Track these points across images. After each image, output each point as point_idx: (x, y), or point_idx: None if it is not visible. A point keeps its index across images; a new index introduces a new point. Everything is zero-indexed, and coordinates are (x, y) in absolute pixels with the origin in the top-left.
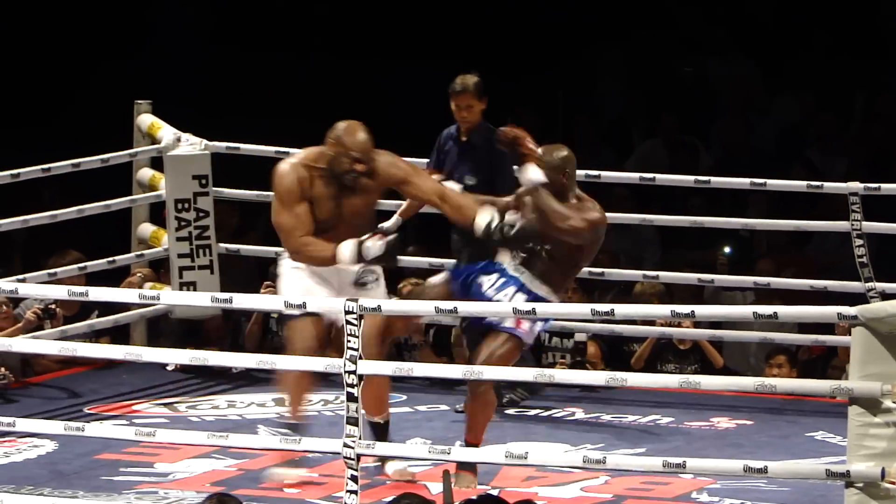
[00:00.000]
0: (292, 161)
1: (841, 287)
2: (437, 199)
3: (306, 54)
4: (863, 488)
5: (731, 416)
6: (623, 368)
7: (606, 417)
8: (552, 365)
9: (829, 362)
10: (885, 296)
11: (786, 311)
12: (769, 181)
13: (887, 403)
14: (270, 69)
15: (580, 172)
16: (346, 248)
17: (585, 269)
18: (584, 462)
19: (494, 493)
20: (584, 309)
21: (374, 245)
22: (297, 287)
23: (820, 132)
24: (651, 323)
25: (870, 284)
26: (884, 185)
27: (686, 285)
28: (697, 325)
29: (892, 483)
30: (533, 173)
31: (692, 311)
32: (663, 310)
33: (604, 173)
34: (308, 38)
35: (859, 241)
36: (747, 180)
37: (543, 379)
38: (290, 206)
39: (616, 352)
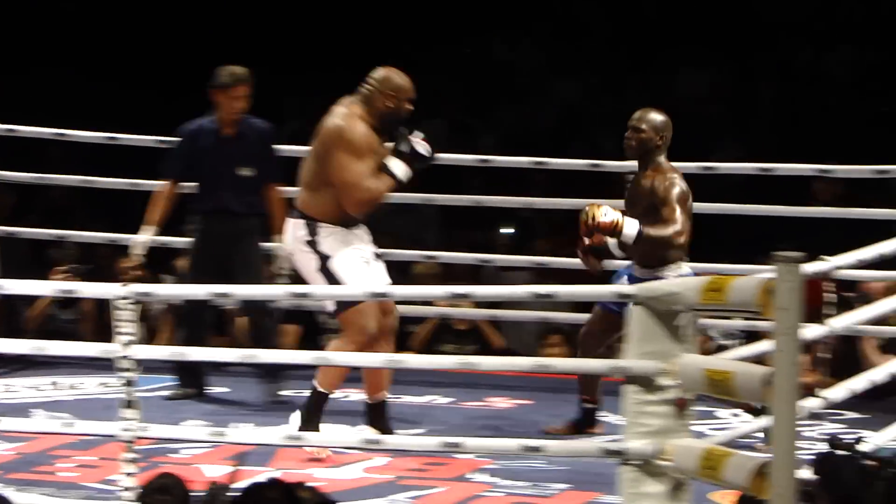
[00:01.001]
0: (349, 114)
1: (619, 266)
2: None
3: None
4: (638, 466)
5: (509, 395)
6: (403, 349)
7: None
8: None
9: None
10: None
11: (564, 290)
12: (550, 160)
13: (663, 381)
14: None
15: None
16: (397, 166)
17: None
18: (362, 443)
19: (277, 475)
20: (361, 290)
21: (420, 142)
22: (359, 268)
23: (601, 112)
24: (431, 304)
25: None
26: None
27: (467, 266)
28: (477, 306)
29: (667, 461)
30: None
31: (470, 292)
32: (442, 290)
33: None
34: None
35: None
36: (529, 159)
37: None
38: (363, 157)
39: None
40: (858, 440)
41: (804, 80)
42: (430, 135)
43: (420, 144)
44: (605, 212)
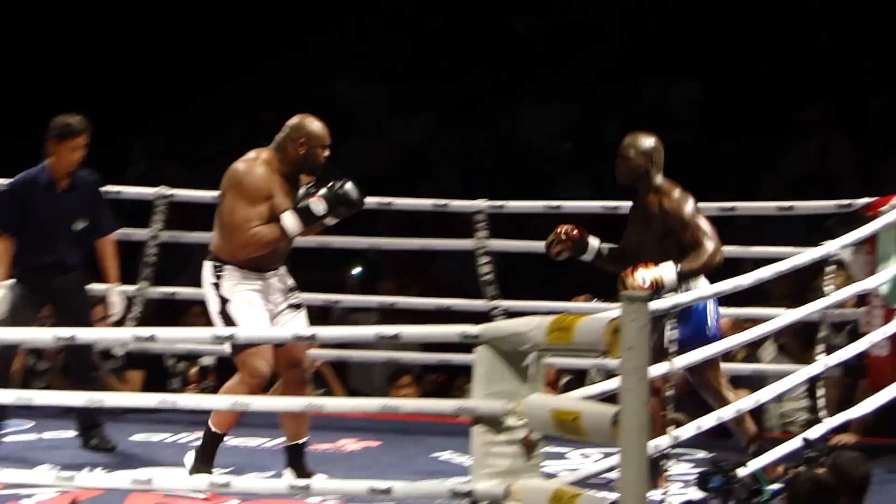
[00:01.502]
0: (253, 159)
1: (466, 305)
2: None
3: None
4: None
5: (358, 437)
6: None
7: (233, 442)
8: (181, 390)
9: (452, 383)
10: (509, 314)
11: (410, 331)
12: (395, 199)
13: (510, 422)
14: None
15: (205, 195)
16: (289, 218)
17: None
18: (210, 486)
19: None
20: (206, 333)
21: (318, 202)
22: (252, 311)
23: (445, 151)
24: None
25: (494, 303)
26: (508, 203)
27: (314, 307)
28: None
29: (516, 501)
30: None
31: (314, 334)
32: (286, 333)
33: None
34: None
35: (484, 259)
36: (374, 199)
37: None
38: (254, 202)
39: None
40: (738, 465)
41: (648, 117)
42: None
43: (316, 202)
44: (642, 277)
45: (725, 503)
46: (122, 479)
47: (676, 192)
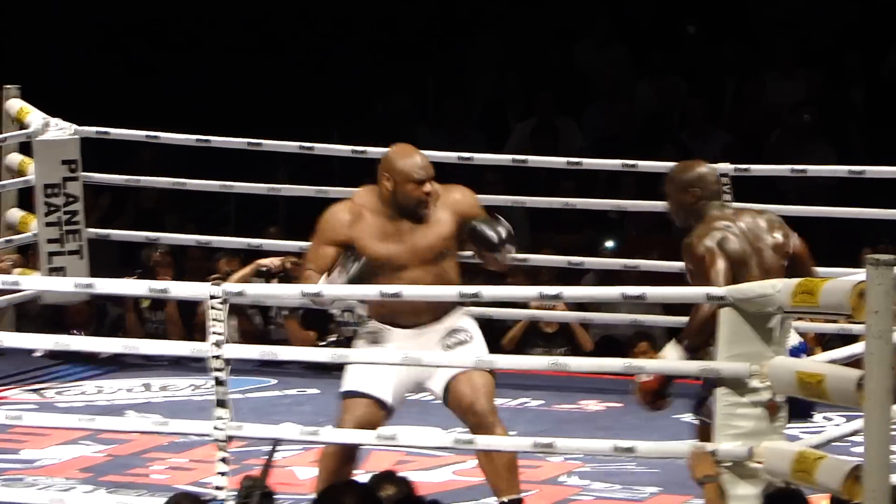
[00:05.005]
0: (349, 200)
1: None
2: None
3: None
4: (731, 468)
5: (599, 398)
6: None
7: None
8: None
9: None
10: None
11: (654, 291)
12: (640, 162)
13: (754, 383)
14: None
15: (452, 155)
16: (324, 279)
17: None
18: (455, 443)
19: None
20: (452, 291)
21: (336, 278)
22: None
23: (690, 116)
24: (523, 306)
25: None
26: (754, 167)
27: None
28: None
29: (759, 462)
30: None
31: (560, 293)
32: (531, 291)
33: (476, 155)
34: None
35: None
36: (619, 161)
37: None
38: (318, 244)
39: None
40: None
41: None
42: None
43: (346, 270)
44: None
45: None
46: (363, 435)
47: (710, 224)
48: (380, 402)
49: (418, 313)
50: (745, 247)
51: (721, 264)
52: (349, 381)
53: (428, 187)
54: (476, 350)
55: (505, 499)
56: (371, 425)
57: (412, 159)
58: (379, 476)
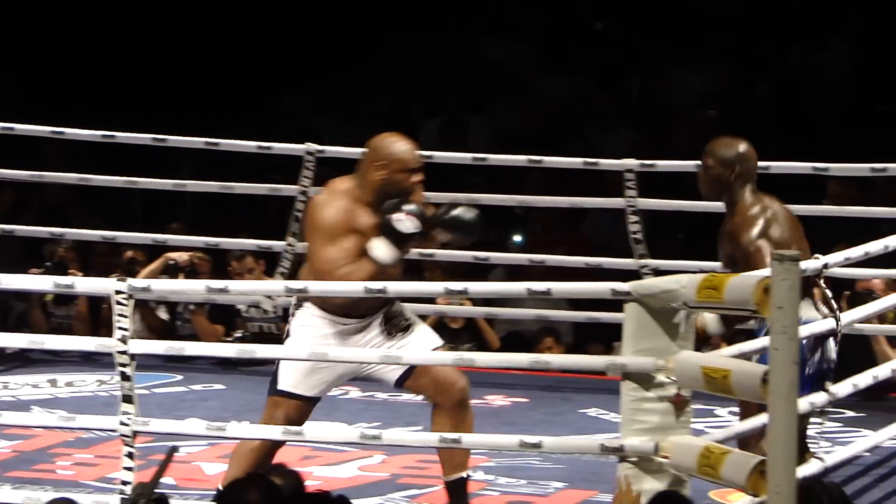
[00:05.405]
0: (331, 190)
1: (615, 264)
2: None
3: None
4: (636, 463)
5: (505, 393)
6: None
7: (382, 396)
8: None
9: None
10: (657, 272)
11: (560, 287)
12: (546, 158)
13: (660, 378)
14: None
15: (357, 151)
16: (378, 246)
17: None
18: (361, 438)
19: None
20: (357, 287)
21: (406, 220)
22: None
23: (596, 111)
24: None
25: (643, 261)
26: (659, 162)
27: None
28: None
29: (665, 457)
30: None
31: (465, 289)
32: (437, 287)
33: None
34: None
35: (634, 218)
36: (524, 157)
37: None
38: (334, 240)
39: None
40: None
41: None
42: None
43: (404, 221)
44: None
45: None
46: (270, 430)
47: (751, 211)
48: (313, 401)
49: (375, 304)
50: (786, 234)
51: (768, 252)
52: (286, 380)
53: (420, 176)
54: (421, 333)
55: (455, 476)
56: (299, 425)
57: (407, 147)
58: (268, 469)
